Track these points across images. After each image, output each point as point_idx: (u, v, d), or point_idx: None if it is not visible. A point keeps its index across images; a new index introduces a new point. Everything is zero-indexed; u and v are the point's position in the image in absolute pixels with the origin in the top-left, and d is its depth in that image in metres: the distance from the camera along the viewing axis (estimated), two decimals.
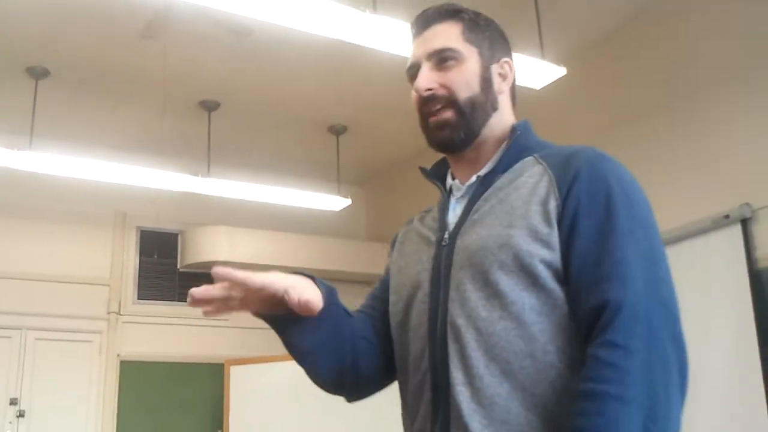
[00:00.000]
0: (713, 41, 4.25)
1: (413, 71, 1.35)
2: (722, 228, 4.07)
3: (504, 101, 1.37)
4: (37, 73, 5.07)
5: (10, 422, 5.91)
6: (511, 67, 1.38)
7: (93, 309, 6.33)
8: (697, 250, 4.15)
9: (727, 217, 4.05)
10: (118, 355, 6.30)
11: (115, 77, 5.24)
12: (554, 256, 1.16)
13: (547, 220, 1.18)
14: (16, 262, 6.10)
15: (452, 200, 1.35)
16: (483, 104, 1.32)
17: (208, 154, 5.86)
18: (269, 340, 5.87)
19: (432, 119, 1.32)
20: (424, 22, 1.36)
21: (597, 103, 4.92)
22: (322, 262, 6.76)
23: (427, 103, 1.31)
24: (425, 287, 1.28)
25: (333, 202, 6.13)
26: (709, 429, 3.80)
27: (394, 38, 3.47)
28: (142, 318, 6.48)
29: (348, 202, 6.13)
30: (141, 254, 6.64)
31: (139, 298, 6.55)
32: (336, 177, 6.35)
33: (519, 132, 1.32)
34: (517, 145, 1.32)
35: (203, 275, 6.80)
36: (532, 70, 3.98)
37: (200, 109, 5.75)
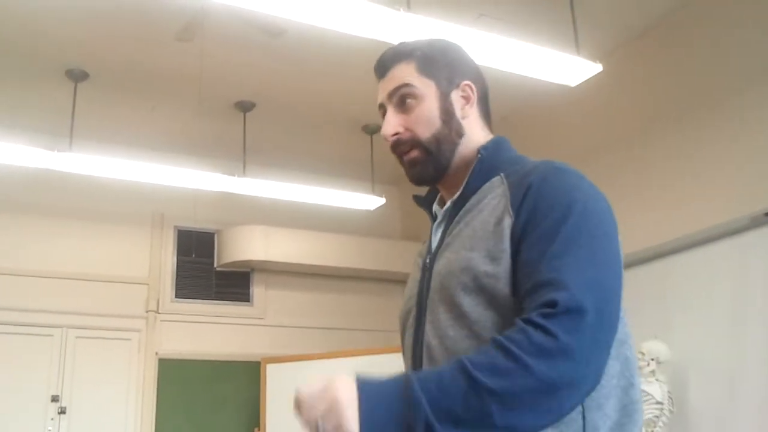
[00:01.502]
0: (753, 36, 4.18)
1: (382, 111, 1.40)
2: (762, 226, 4.01)
3: (471, 124, 1.39)
4: (76, 76, 5.16)
5: (52, 418, 6.02)
6: (473, 88, 1.39)
7: (132, 307, 6.41)
8: (736, 248, 4.08)
9: (767, 215, 3.98)
10: (156, 353, 6.38)
11: (152, 79, 5.30)
12: (508, 273, 1.18)
13: (501, 239, 1.20)
14: (56, 261, 6.21)
15: (434, 225, 1.41)
16: (447, 136, 1.36)
17: (244, 154, 5.91)
18: (306, 338, 5.95)
19: (404, 158, 1.38)
20: (382, 66, 1.40)
21: (634, 100, 4.87)
22: (356, 261, 6.78)
23: (396, 147, 1.38)
24: (413, 311, 1.35)
25: (367, 201, 6.14)
26: (747, 429, 3.75)
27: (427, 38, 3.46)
28: (179, 316, 6.56)
29: (382, 201, 6.14)
30: (178, 253, 6.71)
31: (176, 297, 6.62)
32: (370, 176, 6.36)
33: (482, 154, 1.34)
34: (483, 167, 1.33)
35: (240, 274, 6.86)
36: (567, 67, 3.94)
37: (236, 110, 5.80)
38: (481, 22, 4.15)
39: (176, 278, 6.66)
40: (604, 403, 1.16)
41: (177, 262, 6.69)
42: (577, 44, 4.09)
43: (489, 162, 1.34)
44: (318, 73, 5.22)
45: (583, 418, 1.14)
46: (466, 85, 1.39)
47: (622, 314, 1.22)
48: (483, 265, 1.20)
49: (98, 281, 6.30)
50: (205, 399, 6.40)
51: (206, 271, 6.78)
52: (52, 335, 6.13)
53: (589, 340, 1.07)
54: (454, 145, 1.36)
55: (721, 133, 4.31)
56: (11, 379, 5.88)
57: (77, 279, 6.23)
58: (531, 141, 5.55)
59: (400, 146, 1.37)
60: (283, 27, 4.37)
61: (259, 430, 6.21)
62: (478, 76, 1.42)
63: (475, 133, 1.39)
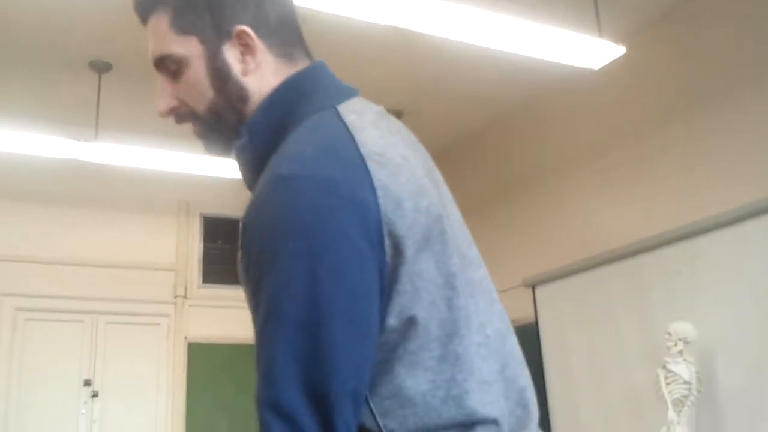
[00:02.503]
0: None
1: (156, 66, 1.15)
2: None
3: (256, 80, 1.10)
4: (100, 67, 5.20)
5: (85, 402, 6.13)
6: (250, 34, 1.08)
7: (160, 293, 6.50)
8: (765, 228, 4.04)
9: None
10: (185, 338, 6.47)
11: None
12: None
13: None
14: (86, 250, 6.30)
15: None
16: (225, 106, 1.11)
17: None
18: None
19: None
20: (138, 10, 1.14)
21: (659, 83, 4.81)
22: None
23: (179, 121, 1.16)
24: None
25: None
26: None
27: (446, 23, 3.45)
28: (207, 301, 6.63)
29: None
30: (205, 240, 6.78)
31: (204, 283, 6.70)
32: None
33: (244, 138, 1.10)
34: (254, 150, 1.10)
35: None
36: (590, 50, 3.90)
37: None
38: (499, 6, 4.13)
39: (203, 264, 6.73)
40: (425, 424, 0.96)
41: (204, 249, 6.77)
42: (599, 26, 4.06)
43: (262, 141, 1.09)
44: (338, 58, 5.23)
45: None
46: (241, 31, 1.08)
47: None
48: None
49: (127, 268, 6.39)
50: (233, 382, 6.47)
51: (232, 257, 6.83)
52: (82, 321, 6.23)
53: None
54: (238, 113, 1.11)
55: (747, 115, 4.26)
56: (46, 364, 6.00)
57: (106, 267, 6.32)
58: (553, 127, 5.54)
59: (180, 119, 1.15)
60: (306, 15, 4.37)
61: None
62: (260, 12, 1.10)
63: (267, 84, 1.10)
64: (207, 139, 1.16)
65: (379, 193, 0.95)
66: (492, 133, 6.07)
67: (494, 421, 0.98)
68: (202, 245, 6.77)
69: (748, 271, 4.03)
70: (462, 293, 1.01)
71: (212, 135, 1.15)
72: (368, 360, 0.94)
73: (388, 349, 0.96)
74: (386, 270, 0.95)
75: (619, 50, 3.91)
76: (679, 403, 3.91)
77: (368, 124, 1.04)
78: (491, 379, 1.01)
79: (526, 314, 5.52)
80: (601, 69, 4.10)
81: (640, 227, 4.67)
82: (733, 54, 4.35)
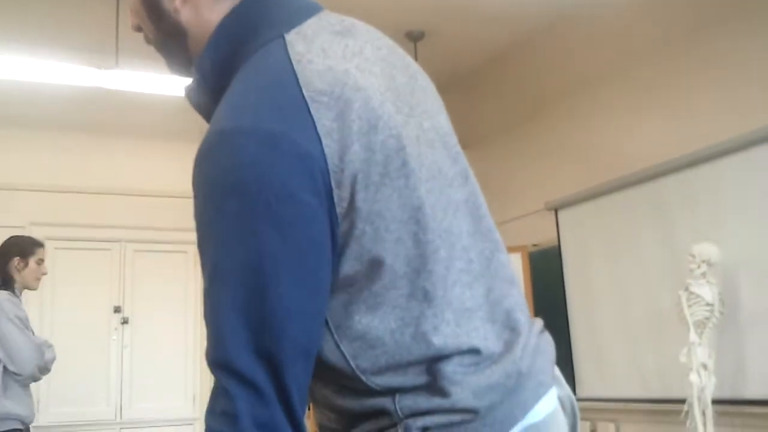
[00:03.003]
0: None
1: None
2: None
3: (190, 15, 1.07)
4: None
5: (116, 328, 6.29)
6: None
7: (186, 221, 6.48)
8: None
9: None
10: None
11: None
12: None
13: None
14: (111, 178, 6.36)
15: None
16: (168, 38, 1.10)
17: None
18: None
19: None
20: None
21: (669, 7, 4.67)
22: None
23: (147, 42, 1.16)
24: None
25: None
26: None
27: None
28: None
29: None
30: None
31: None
32: None
33: (194, 83, 1.08)
34: (204, 94, 1.08)
35: None
36: None
37: None
38: None
39: None
40: (396, 360, 0.96)
41: None
42: None
43: (211, 82, 1.06)
44: None
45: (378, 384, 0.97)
46: None
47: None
48: None
49: (152, 196, 6.45)
50: None
51: None
52: (110, 249, 6.34)
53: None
54: (181, 45, 1.10)
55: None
56: (77, 292, 6.13)
57: (132, 195, 6.39)
58: (578, 47, 5.42)
59: (148, 42, 1.16)
60: None
61: None
62: None
63: (205, 17, 1.06)
64: (167, 64, 1.16)
65: (325, 141, 0.91)
66: (516, 53, 5.96)
67: (473, 350, 0.97)
68: None
69: None
70: (431, 225, 0.97)
71: (167, 60, 1.14)
72: (319, 316, 0.93)
73: (353, 291, 0.95)
74: (338, 220, 0.92)
75: None
76: (700, 325, 3.92)
77: (317, 54, 0.99)
78: (474, 306, 1.00)
79: (548, 237, 5.53)
80: None
81: (663, 149, 4.61)
82: None
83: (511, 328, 1.03)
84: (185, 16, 1.07)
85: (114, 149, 6.41)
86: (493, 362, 0.98)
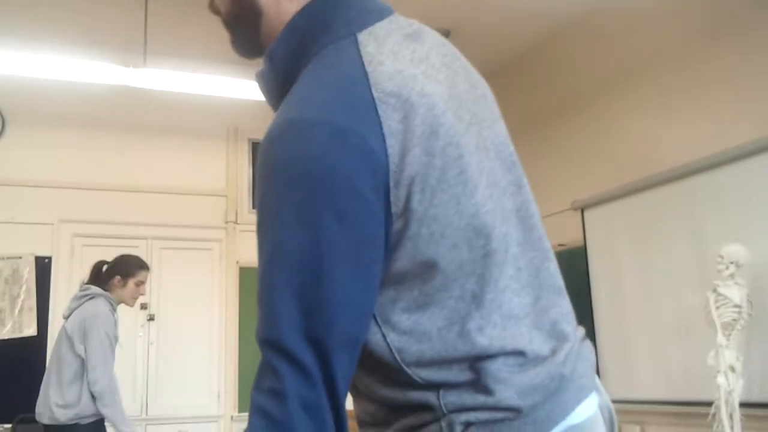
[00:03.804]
0: None
1: None
2: None
3: (271, 1, 1.12)
4: None
5: (142, 325, 6.34)
6: None
7: (212, 219, 6.61)
8: None
9: None
10: (237, 262, 6.60)
11: None
12: None
13: None
14: (138, 176, 6.41)
15: None
16: (241, 15, 1.14)
17: None
18: None
19: None
20: None
21: (687, 7, 4.62)
22: None
23: (215, 13, 1.22)
24: None
25: None
26: None
27: None
28: None
29: None
30: (254, 166, 6.84)
31: (254, 208, 6.77)
32: None
33: (266, 66, 1.11)
34: (276, 79, 1.10)
35: None
36: None
37: None
38: None
39: (253, 189, 6.80)
40: (442, 356, 0.98)
41: (253, 174, 6.83)
42: None
43: (283, 69, 1.09)
44: None
45: (423, 378, 0.99)
46: None
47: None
48: None
49: (179, 194, 6.50)
50: None
51: None
52: (137, 247, 6.37)
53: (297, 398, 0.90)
54: (254, 25, 1.13)
55: None
56: None
57: (158, 192, 6.44)
58: (609, 43, 5.38)
59: (216, 13, 1.21)
60: None
61: None
62: None
63: (285, 12, 1.11)
64: (232, 42, 1.19)
65: (389, 141, 0.93)
66: (546, 50, 5.93)
67: (518, 352, 0.99)
68: (251, 170, 6.83)
69: None
70: (485, 232, 0.99)
71: (233, 38, 1.18)
72: (369, 309, 0.96)
73: (401, 289, 0.98)
74: (392, 218, 0.95)
75: None
76: (728, 327, 3.88)
77: (388, 56, 1.01)
78: (521, 313, 1.02)
79: (575, 237, 5.50)
80: None
81: (692, 149, 4.57)
82: None
83: (556, 338, 1.05)
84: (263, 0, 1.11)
85: (141, 147, 6.46)
86: (537, 364, 1.00)
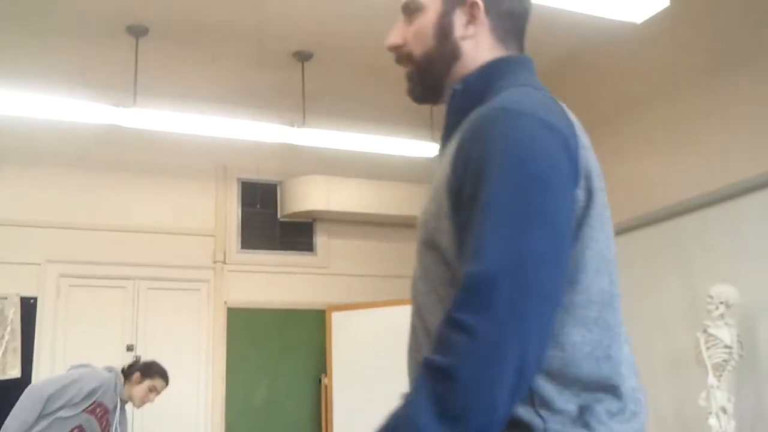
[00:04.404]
0: None
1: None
2: None
3: (475, 45, 1.27)
4: (137, 31, 5.22)
5: None
6: (479, 6, 1.26)
7: (200, 259, 6.57)
8: None
9: None
10: (225, 302, 6.54)
11: (211, 30, 5.33)
12: (449, 234, 1.12)
13: (447, 191, 1.13)
14: (126, 216, 6.37)
15: None
16: (439, 57, 1.29)
17: (303, 104, 5.92)
18: (368, 286, 6.01)
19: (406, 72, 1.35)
20: None
21: (702, 37, 4.69)
22: (417, 209, 6.77)
23: (397, 59, 1.35)
24: None
25: (426, 149, 6.12)
26: None
27: None
28: (246, 266, 6.69)
29: None
30: (243, 205, 6.82)
31: (242, 248, 6.75)
32: (429, 123, 6.32)
33: (454, 89, 1.26)
34: (463, 99, 1.24)
35: (303, 224, 6.94)
36: (632, 3, 3.80)
37: (294, 60, 5.80)
38: None
39: (241, 229, 6.78)
40: (564, 371, 1.06)
41: (242, 214, 6.81)
42: None
43: (472, 92, 1.24)
44: (376, 19, 5.17)
45: (531, 389, 1.04)
46: (473, 3, 1.27)
47: (599, 273, 1.12)
48: (434, 221, 1.17)
49: (167, 234, 6.46)
50: (273, 346, 6.55)
51: (270, 221, 6.87)
52: (124, 287, 6.32)
53: (502, 315, 0.96)
54: (447, 66, 1.28)
55: None
56: (89, 329, 6.11)
57: (146, 232, 6.39)
58: (594, 83, 5.43)
59: (399, 59, 1.35)
60: None
61: (326, 376, 6.34)
62: None
63: (481, 55, 1.27)
64: (413, 81, 1.33)
65: (581, 152, 1.11)
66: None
67: (622, 394, 1.10)
68: (240, 210, 6.81)
69: None
70: (616, 275, 1.17)
71: (418, 76, 1.31)
72: (564, 271, 1.05)
73: None
74: (578, 209, 1.10)
75: (662, 3, 3.79)
76: (719, 368, 3.86)
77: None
78: (624, 360, 1.13)
79: None
80: (644, 23, 3.99)
81: (681, 188, 4.59)
82: None
83: (640, 386, 1.18)
84: (467, 46, 1.28)
85: (130, 186, 6.44)
86: (633, 415, 1.12)
